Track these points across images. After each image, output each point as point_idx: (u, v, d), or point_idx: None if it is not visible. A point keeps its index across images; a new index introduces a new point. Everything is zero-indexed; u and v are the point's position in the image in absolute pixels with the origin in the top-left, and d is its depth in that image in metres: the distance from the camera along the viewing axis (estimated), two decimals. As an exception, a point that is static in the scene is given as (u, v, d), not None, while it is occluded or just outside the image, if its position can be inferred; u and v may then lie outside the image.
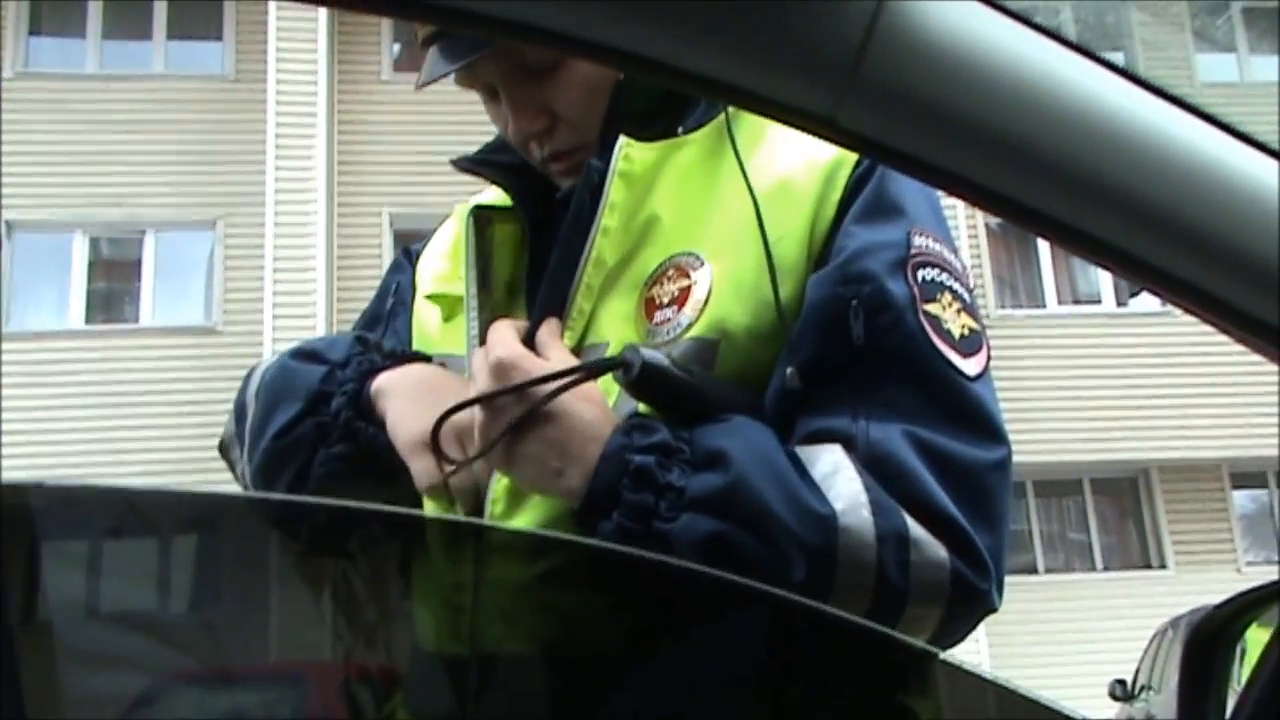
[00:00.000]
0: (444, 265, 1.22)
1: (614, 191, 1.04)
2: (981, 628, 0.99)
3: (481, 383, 0.98)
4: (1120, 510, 13.66)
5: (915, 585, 0.90)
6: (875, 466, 0.92)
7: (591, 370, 0.96)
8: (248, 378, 1.18)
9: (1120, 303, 13.12)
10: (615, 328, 1.03)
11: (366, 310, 1.29)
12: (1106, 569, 13.29)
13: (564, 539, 0.94)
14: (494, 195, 1.22)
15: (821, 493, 0.90)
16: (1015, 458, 1.00)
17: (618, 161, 1.04)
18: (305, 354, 1.13)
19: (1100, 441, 12.52)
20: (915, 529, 0.91)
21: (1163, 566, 13.19)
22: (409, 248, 1.31)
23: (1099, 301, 13.23)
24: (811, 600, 0.86)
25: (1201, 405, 12.31)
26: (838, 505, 0.90)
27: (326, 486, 1.06)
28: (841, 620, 0.77)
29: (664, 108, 1.09)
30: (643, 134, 1.06)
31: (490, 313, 1.09)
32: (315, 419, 1.07)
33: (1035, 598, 12.14)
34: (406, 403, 1.05)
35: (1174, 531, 13.23)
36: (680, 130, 1.08)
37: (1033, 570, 12.97)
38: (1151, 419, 12.47)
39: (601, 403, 0.97)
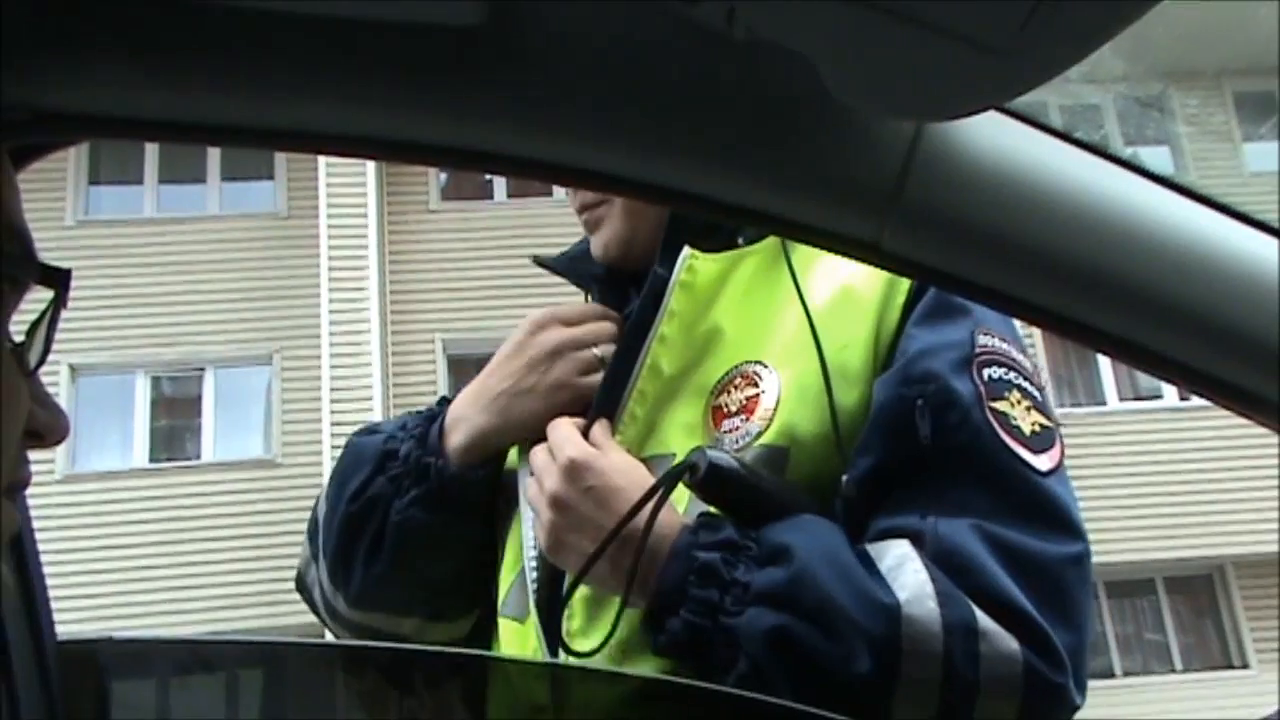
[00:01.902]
0: None
1: (674, 301, 1.06)
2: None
3: (550, 483, 1.00)
4: (1196, 609, 13.24)
5: (986, 678, 0.88)
6: (943, 560, 0.91)
7: (670, 482, 0.96)
8: (316, 502, 1.21)
9: (1183, 397, 12.87)
10: (681, 438, 1.04)
11: None
12: (1186, 670, 12.84)
13: (632, 675, 0.94)
14: None
15: (887, 584, 0.90)
16: (1084, 559, 0.97)
17: (680, 272, 1.06)
18: (368, 430, 1.19)
19: (1171, 539, 12.20)
20: (984, 620, 0.89)
21: (1244, 666, 12.73)
22: None
23: (1160, 396, 13.01)
24: (879, 694, 0.85)
25: (1273, 498, 11.98)
26: (902, 595, 0.89)
27: (405, 536, 1.09)
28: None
29: None
30: (705, 243, 1.08)
31: None
32: (385, 475, 1.11)
33: (1114, 702, 11.73)
34: (471, 395, 1.11)
35: (1254, 629, 12.78)
36: (741, 241, 1.10)
37: (1109, 674, 12.55)
38: (1223, 514, 12.15)
39: (670, 505, 0.97)
